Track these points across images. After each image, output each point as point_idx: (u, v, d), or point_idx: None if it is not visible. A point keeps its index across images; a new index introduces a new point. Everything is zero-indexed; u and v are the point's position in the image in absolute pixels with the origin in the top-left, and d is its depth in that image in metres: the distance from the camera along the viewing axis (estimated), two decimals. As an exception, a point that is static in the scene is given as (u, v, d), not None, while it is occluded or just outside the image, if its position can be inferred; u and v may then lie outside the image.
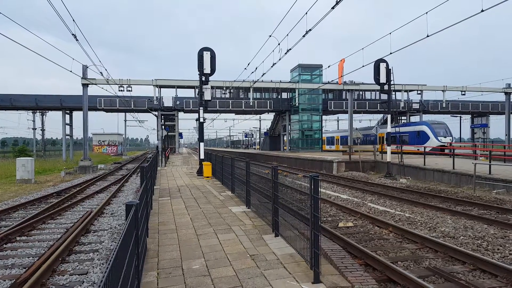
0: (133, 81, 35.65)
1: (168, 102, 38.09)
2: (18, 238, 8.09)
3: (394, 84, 21.46)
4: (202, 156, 19.61)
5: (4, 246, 7.48)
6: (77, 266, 6.26)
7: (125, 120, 60.75)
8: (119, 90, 32.86)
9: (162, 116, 39.17)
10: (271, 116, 53.43)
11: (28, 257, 6.74)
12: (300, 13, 12.82)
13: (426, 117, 43.98)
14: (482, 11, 10.01)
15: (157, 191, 12.89)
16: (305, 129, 43.52)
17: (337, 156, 28.45)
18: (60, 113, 39.92)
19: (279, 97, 43.45)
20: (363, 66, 17.54)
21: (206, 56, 18.12)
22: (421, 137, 33.09)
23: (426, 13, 11.79)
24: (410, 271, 5.76)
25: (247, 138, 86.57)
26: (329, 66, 21.17)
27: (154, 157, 16.23)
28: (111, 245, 7.39)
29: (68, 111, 40.43)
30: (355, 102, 41.24)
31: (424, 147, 25.75)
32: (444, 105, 43.08)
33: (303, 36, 13.29)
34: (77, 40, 13.48)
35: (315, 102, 42.47)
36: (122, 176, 22.49)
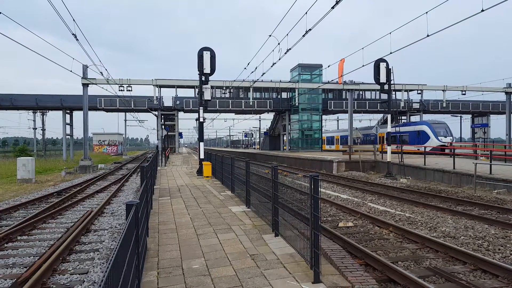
0: (133, 80, 35.65)
1: (168, 102, 38.11)
2: (19, 238, 8.09)
3: (394, 84, 21.44)
4: (202, 156, 19.61)
5: (5, 245, 7.48)
6: (78, 265, 6.26)
7: (125, 120, 60.84)
8: (119, 90, 32.86)
9: (162, 116, 39.18)
10: (271, 116, 53.44)
11: (29, 257, 6.74)
12: (300, 12, 12.82)
13: (427, 117, 43.99)
14: (482, 10, 10.00)
15: (157, 190, 12.90)
16: (305, 128, 43.50)
17: (337, 156, 28.45)
18: (60, 113, 39.94)
19: (279, 96, 43.44)
20: (363, 65, 17.53)
21: (206, 56, 18.11)
22: (421, 137, 33.07)
23: (426, 13, 11.80)
24: (411, 271, 5.76)
25: (247, 138, 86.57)
26: (329, 66, 21.18)
27: (154, 157, 16.24)
28: (111, 245, 7.39)
29: (68, 111, 40.44)
30: (355, 101, 41.23)
31: (425, 147, 25.74)
32: (444, 105, 43.06)
33: (303, 35, 13.28)
34: (77, 39, 13.48)
35: (315, 101, 42.45)
36: (122, 176, 22.50)
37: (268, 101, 41.74)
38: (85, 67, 29.38)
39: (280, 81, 41.02)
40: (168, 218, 8.14)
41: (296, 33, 15.49)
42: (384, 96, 22.10)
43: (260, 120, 69.89)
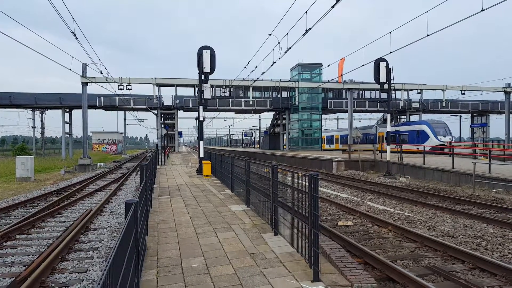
0: (133, 79, 35.60)
1: (167, 101, 38.06)
2: (18, 236, 8.09)
3: (394, 83, 21.45)
4: (201, 155, 19.61)
5: (4, 244, 7.47)
6: (77, 264, 6.25)
7: (125, 119, 60.75)
8: (118, 89, 32.81)
9: (162, 115, 39.15)
10: (270, 115, 53.43)
11: (28, 255, 6.74)
12: (300, 11, 12.81)
13: (426, 116, 44.01)
14: (482, 10, 9.99)
15: (156, 189, 12.89)
16: (304, 128, 43.51)
17: (337, 155, 28.47)
18: (59, 111, 39.89)
19: (278, 96, 43.42)
20: (363, 65, 17.53)
21: (206, 54, 18.09)
22: (420, 136, 33.09)
23: (427, 12, 11.80)
24: (409, 270, 5.77)
25: (246, 137, 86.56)
26: (329, 65, 21.21)
27: (153, 156, 16.23)
28: (110, 244, 7.39)
29: (67, 110, 40.38)
30: (355, 101, 41.22)
31: (424, 146, 25.74)
32: (444, 104, 43.08)
33: (303, 34, 13.27)
34: (76, 38, 13.45)
35: (315, 101, 42.44)
36: (121, 175, 22.49)
37: (268, 100, 41.72)
38: (84, 66, 29.35)
39: (280, 80, 40.99)
40: (168, 217, 8.14)
41: (296, 32, 15.51)
42: (384, 96, 22.13)
43: (260, 119, 69.94)
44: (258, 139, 75.86)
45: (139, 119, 64.45)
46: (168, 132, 38.27)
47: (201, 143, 20.24)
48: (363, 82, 40.68)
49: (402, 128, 35.83)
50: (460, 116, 39.79)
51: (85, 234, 8.28)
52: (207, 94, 19.01)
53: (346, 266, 4.72)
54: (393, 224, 8.52)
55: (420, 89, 42.37)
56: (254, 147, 74.30)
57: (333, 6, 10.83)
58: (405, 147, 29.25)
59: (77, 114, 42.86)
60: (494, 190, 13.94)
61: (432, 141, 31.46)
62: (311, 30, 12.90)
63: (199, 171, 18.43)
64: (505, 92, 40.67)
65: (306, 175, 4.58)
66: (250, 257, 5.26)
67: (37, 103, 39.00)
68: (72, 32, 13.11)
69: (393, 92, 25.20)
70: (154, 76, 36.80)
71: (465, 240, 7.44)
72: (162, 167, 24.11)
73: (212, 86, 32.72)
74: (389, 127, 21.53)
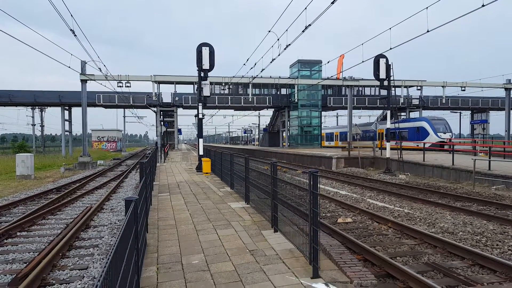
0: (132, 77, 35.53)
1: (167, 98, 37.99)
2: (18, 234, 8.10)
3: (393, 80, 21.41)
4: (201, 152, 19.62)
5: (5, 241, 7.49)
6: (77, 261, 6.27)
7: (124, 116, 60.76)
8: (118, 86, 32.75)
9: (161, 112, 39.09)
10: (270, 112, 53.41)
11: (29, 252, 6.76)
12: (300, 8, 12.77)
13: (426, 113, 43.95)
14: (483, 5, 9.96)
15: (156, 187, 12.91)
16: (304, 125, 43.49)
17: (336, 152, 28.48)
18: (59, 109, 39.85)
19: (278, 93, 43.37)
20: (362, 61, 17.48)
21: (205, 51, 18.05)
22: (420, 133, 33.10)
23: (427, 8, 11.76)
24: (409, 266, 5.78)
25: (246, 134, 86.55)
26: (328, 62, 21.15)
27: (153, 153, 16.23)
28: (111, 240, 7.41)
29: (67, 107, 40.35)
30: (355, 98, 41.16)
31: (424, 143, 25.76)
32: (443, 101, 43.03)
33: (303, 31, 13.24)
34: (75, 35, 13.41)
35: (315, 98, 42.40)
36: (121, 172, 22.50)
37: (267, 97, 41.66)
38: (83, 63, 29.26)
39: (280, 77, 40.91)
40: (168, 214, 8.16)
41: (296, 28, 15.49)
42: (384, 92, 22.09)
43: (259, 117, 69.88)
44: (257, 137, 75.85)
45: (138, 117, 64.39)
46: (168, 129, 38.26)
47: (201, 140, 20.25)
48: (362, 79, 40.60)
49: (402, 125, 35.83)
50: (460, 112, 39.72)
51: (86, 231, 8.29)
52: (206, 91, 18.99)
53: (346, 263, 4.73)
54: (393, 221, 8.53)
55: (420, 86, 42.29)
56: (254, 145, 74.33)
57: (332, 2, 10.79)
58: (405, 143, 29.28)
59: (76, 111, 42.85)
60: (494, 187, 13.95)
61: (432, 138, 31.48)
62: (311, 26, 12.87)
63: (199, 168, 18.44)
64: (505, 89, 40.61)
65: (306, 172, 4.58)
66: (250, 254, 5.27)
67: (37, 100, 38.97)
68: (71, 30, 13.06)
69: (393, 88, 25.17)
70: (153, 73, 36.73)
71: (465, 237, 7.45)
72: (162, 165, 24.12)
73: (211, 83, 32.70)
74: (388, 124, 21.52)
